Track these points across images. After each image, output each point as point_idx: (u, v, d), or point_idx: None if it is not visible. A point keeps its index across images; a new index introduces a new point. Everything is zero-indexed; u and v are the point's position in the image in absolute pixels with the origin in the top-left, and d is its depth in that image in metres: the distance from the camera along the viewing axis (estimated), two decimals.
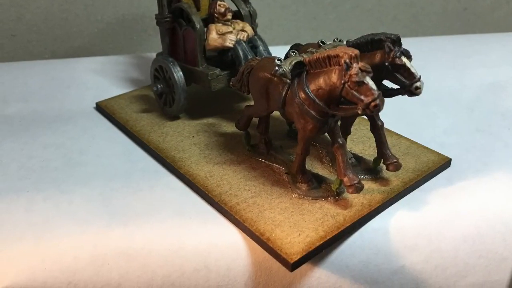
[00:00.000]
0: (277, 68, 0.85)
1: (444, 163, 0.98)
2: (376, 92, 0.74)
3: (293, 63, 0.85)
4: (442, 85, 1.31)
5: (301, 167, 0.90)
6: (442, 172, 0.98)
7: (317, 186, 0.91)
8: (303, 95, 0.82)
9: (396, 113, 1.15)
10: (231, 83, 1.01)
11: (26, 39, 1.65)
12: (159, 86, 1.16)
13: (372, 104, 0.74)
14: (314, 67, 0.82)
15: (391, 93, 0.88)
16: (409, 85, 0.85)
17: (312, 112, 0.82)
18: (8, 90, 1.35)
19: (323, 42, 0.92)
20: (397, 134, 1.07)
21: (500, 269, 0.87)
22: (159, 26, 1.17)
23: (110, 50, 1.73)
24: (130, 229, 0.87)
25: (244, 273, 0.84)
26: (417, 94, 0.86)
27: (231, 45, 1.09)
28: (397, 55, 0.85)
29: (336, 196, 0.89)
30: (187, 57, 1.14)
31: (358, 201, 0.88)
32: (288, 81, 0.86)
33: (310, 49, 0.89)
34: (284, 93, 0.87)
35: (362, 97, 0.75)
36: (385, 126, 0.93)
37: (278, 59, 0.87)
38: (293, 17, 1.80)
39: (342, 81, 0.77)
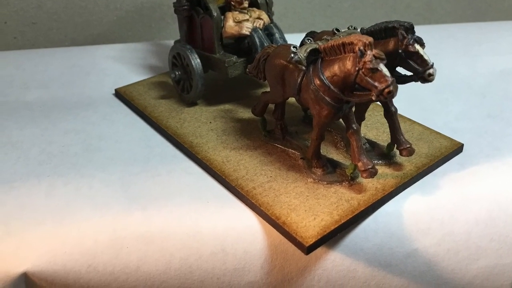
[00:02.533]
0: (292, 55, 0.86)
1: (457, 148, 0.98)
2: (390, 79, 0.75)
3: (308, 50, 0.85)
4: (454, 72, 1.32)
5: (316, 152, 0.91)
6: (455, 157, 0.98)
7: (332, 171, 0.92)
8: (318, 82, 0.83)
9: (409, 100, 1.15)
10: (247, 70, 1.02)
11: (46, 26, 1.66)
12: (177, 73, 1.17)
13: (386, 90, 0.75)
14: (329, 54, 0.83)
15: (404, 79, 0.89)
16: (422, 72, 0.86)
17: (327, 98, 0.83)
18: (29, 77, 1.36)
19: (337, 30, 0.92)
20: (410, 120, 1.07)
21: (511, 252, 0.88)
22: (177, 14, 1.18)
23: (129, 38, 1.73)
24: (149, 213, 0.88)
25: (260, 256, 0.85)
26: (430, 81, 0.87)
27: (247, 33, 1.10)
28: (411, 42, 0.86)
29: (351, 180, 0.89)
30: (205, 45, 1.15)
31: (372, 186, 0.89)
32: (304, 68, 0.86)
33: (325, 37, 0.90)
34: (299, 79, 0.87)
35: (376, 83, 0.76)
36: (399, 112, 0.93)
37: (294, 46, 0.87)
38: (308, 5, 1.80)
39: (357, 68, 0.78)
